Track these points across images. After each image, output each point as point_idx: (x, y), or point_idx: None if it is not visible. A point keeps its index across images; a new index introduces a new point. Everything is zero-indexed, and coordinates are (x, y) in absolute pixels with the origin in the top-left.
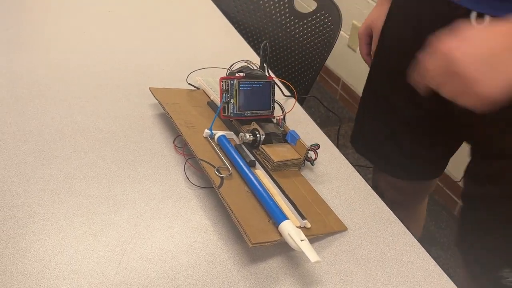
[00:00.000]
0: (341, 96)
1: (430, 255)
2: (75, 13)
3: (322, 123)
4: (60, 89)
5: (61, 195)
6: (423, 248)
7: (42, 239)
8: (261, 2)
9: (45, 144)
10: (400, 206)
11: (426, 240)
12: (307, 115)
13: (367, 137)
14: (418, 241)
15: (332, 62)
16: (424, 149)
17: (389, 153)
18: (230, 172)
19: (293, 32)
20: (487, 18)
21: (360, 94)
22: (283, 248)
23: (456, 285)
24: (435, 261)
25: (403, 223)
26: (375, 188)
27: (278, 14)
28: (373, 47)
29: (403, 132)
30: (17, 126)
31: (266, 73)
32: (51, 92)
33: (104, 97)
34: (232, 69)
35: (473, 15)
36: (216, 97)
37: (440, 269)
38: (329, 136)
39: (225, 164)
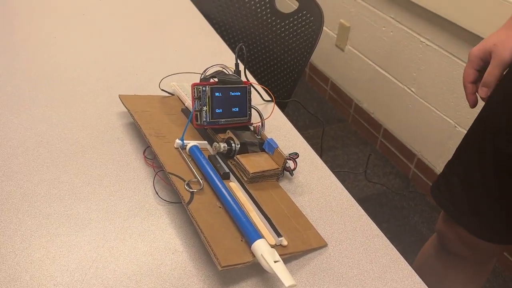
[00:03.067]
0: (330, 96)
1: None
2: (49, 15)
3: (311, 125)
4: (25, 98)
5: (19, 215)
6: (408, 264)
7: None
8: (241, 2)
9: (6, 158)
10: (463, 260)
11: (412, 256)
12: (287, 120)
13: (456, 189)
14: (403, 257)
15: (320, 62)
16: None
17: (484, 214)
18: (201, 187)
19: (274, 33)
20: None
21: (349, 94)
22: (257, 269)
23: None
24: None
25: (460, 280)
26: (440, 235)
27: (260, 15)
28: (487, 77)
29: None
30: None
31: (243, 78)
32: (15, 101)
33: (72, 106)
34: (206, 74)
35: None
36: (190, 103)
37: (426, 286)
38: (317, 138)
39: (196, 178)
